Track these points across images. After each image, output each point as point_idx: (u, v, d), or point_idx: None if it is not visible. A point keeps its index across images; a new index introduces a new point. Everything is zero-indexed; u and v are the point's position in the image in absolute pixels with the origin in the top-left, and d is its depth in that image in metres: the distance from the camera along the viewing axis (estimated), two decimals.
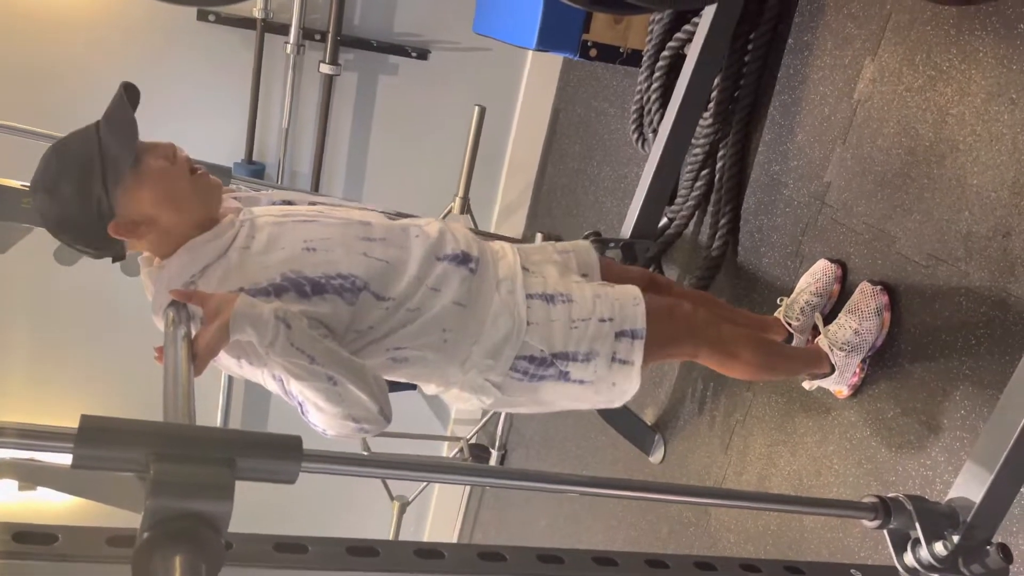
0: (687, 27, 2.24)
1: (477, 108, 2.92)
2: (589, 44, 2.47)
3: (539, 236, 3.08)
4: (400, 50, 3.07)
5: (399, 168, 3.23)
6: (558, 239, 2.39)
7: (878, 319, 1.71)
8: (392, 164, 3.23)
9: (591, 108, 2.98)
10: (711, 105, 2.20)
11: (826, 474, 1.84)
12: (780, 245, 2.04)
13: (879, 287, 1.72)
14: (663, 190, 2.30)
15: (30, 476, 0.79)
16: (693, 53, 2.15)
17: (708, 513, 2.20)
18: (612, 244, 2.21)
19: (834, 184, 1.89)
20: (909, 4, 1.72)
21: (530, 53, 3.15)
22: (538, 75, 3.21)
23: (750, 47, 2.13)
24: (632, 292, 1.51)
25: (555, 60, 3.16)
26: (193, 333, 1.20)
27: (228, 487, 0.76)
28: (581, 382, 1.46)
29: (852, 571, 1.05)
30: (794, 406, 1.95)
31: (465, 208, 3.03)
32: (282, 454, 0.81)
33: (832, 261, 1.85)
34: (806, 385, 1.80)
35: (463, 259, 1.45)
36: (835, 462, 1.83)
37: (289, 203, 1.55)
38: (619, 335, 1.46)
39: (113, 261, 1.40)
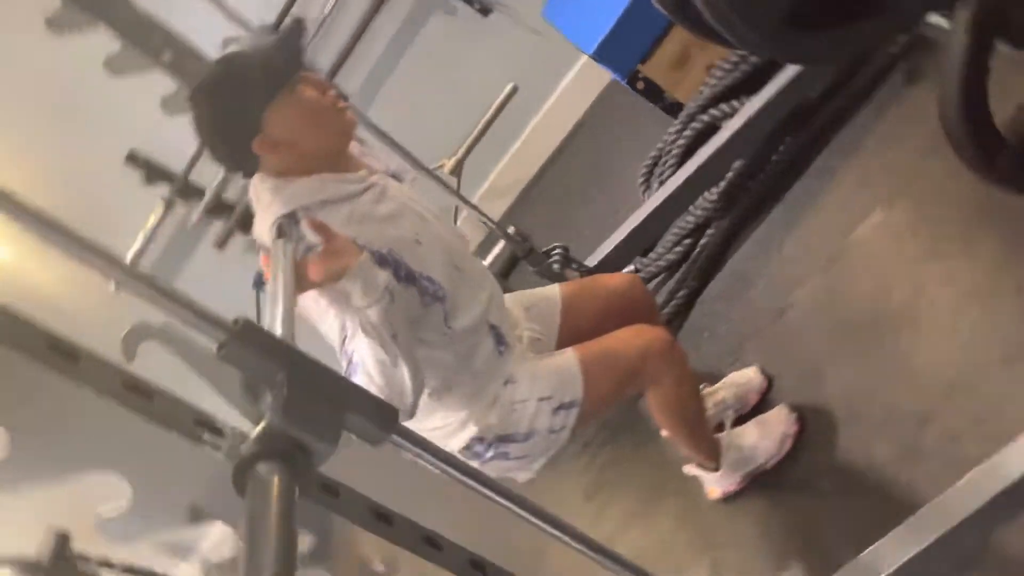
0: (734, 102, 2.25)
1: (511, 85, 2.89)
2: (640, 75, 2.47)
3: (511, 229, 3.06)
4: None
5: (412, 103, 3.17)
6: (525, 239, 2.37)
7: (780, 444, 1.73)
8: (407, 97, 3.17)
9: (614, 136, 2.98)
10: (722, 183, 2.21)
11: (669, 560, 1.86)
12: (724, 338, 2.06)
13: (795, 416, 1.74)
14: (643, 239, 2.31)
15: (172, 343, 0.84)
16: (729, 130, 2.16)
17: (544, 552, 2.20)
18: (575, 266, 2.20)
19: (797, 306, 1.91)
20: (939, 176, 1.75)
21: (584, 58, 3.13)
22: (581, 81, 3.19)
23: (781, 148, 2.15)
24: (569, 364, 1.55)
25: (603, 76, 3.14)
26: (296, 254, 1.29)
27: (338, 434, 0.83)
28: (519, 458, 1.54)
29: None
30: (667, 486, 1.97)
31: (457, 171, 2.99)
32: (382, 422, 0.89)
33: (763, 373, 1.87)
34: (686, 469, 1.82)
35: (500, 339, 1.54)
36: (682, 553, 1.85)
37: (396, 177, 1.63)
38: (557, 409, 1.52)
39: (244, 176, 1.49)
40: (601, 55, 2.44)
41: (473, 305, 1.51)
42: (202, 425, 0.82)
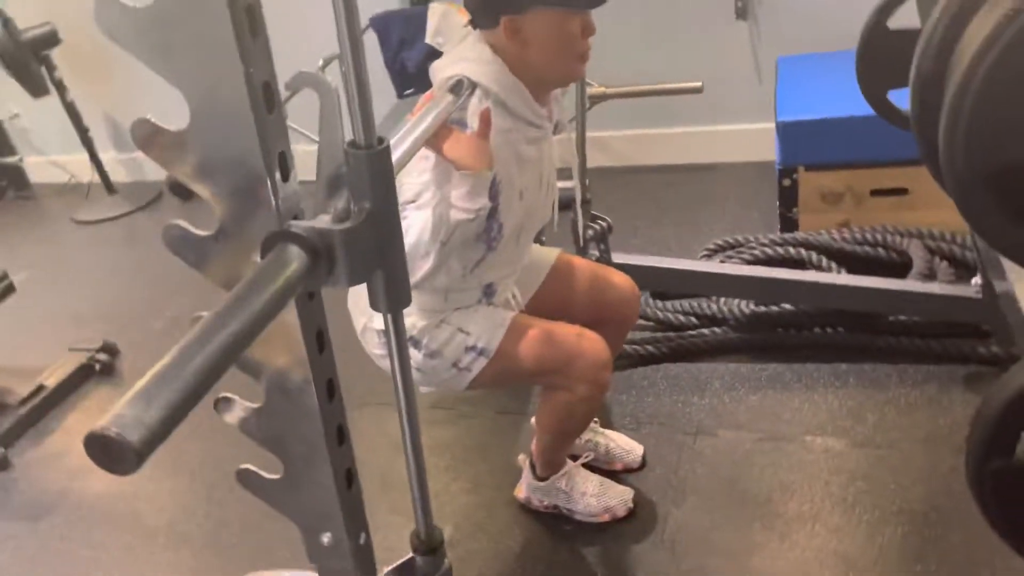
0: (834, 264, 2.22)
1: (700, 84, 2.82)
2: (794, 176, 2.41)
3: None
4: None
5: (619, 22, 3.08)
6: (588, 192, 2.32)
7: (600, 512, 1.74)
8: (620, 15, 3.07)
9: (727, 198, 2.93)
10: (761, 307, 2.17)
11: (437, 503, 1.87)
12: (640, 408, 2.05)
13: (631, 506, 1.75)
14: (666, 284, 2.29)
15: (326, 102, 0.84)
16: (808, 277, 2.12)
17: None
18: (603, 247, 2.17)
19: (716, 440, 1.91)
20: (916, 462, 1.74)
21: (771, 124, 3.04)
22: (749, 137, 3.10)
23: (828, 329, 2.12)
24: (502, 319, 1.56)
25: (768, 149, 3.08)
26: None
27: (362, 280, 0.88)
28: (414, 370, 1.54)
29: None
30: (494, 458, 1.98)
31: (596, 100, 2.92)
32: (395, 301, 0.92)
33: (644, 458, 1.87)
34: (521, 459, 1.83)
35: (489, 296, 1.59)
36: (449, 507, 1.86)
37: (557, 127, 1.63)
38: (468, 349, 1.54)
39: (469, 24, 1.49)
40: (785, 131, 2.37)
41: (499, 271, 1.57)
42: (282, 167, 0.86)
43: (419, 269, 1.40)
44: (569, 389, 1.59)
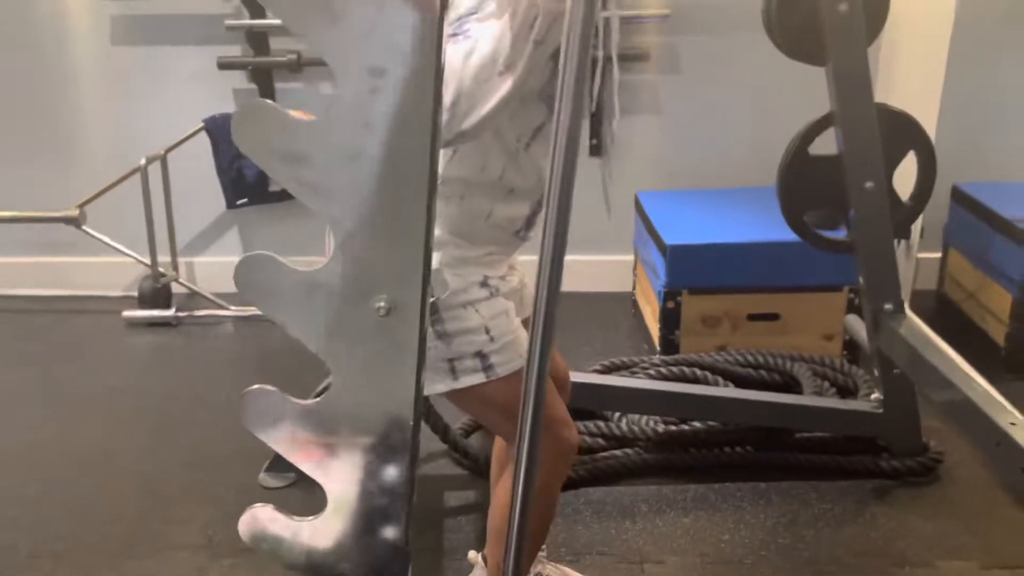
0: (720, 379, 2.23)
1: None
2: (678, 299, 2.45)
3: None
4: None
5: None
6: None
7: None
8: None
9: (590, 323, 2.91)
10: (671, 424, 2.11)
11: None
12: (572, 537, 1.84)
13: None
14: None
15: None
16: (712, 391, 2.10)
17: None
18: None
19: (661, 573, 1.74)
20: None
21: (622, 254, 3.12)
22: (606, 267, 3.14)
23: (747, 448, 2.09)
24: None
25: (621, 278, 3.14)
26: None
27: None
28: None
29: None
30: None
31: None
32: None
33: None
34: (472, 555, 1.51)
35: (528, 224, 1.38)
36: None
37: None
38: (477, 354, 1.28)
39: None
40: (673, 254, 2.41)
41: (526, 182, 1.32)
42: None
43: (494, 92, 1.10)
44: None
